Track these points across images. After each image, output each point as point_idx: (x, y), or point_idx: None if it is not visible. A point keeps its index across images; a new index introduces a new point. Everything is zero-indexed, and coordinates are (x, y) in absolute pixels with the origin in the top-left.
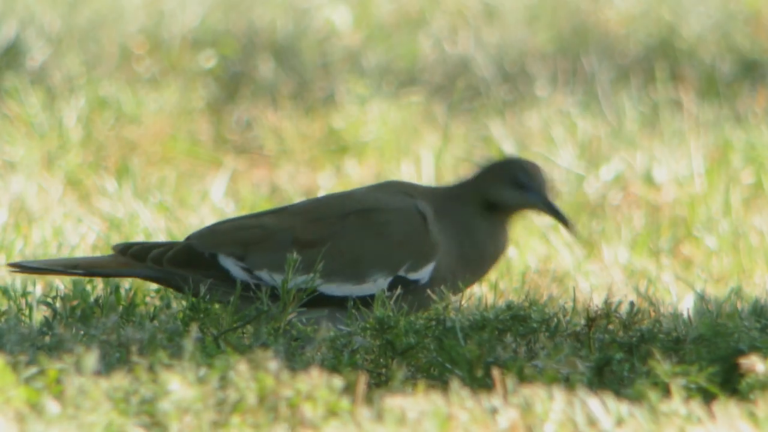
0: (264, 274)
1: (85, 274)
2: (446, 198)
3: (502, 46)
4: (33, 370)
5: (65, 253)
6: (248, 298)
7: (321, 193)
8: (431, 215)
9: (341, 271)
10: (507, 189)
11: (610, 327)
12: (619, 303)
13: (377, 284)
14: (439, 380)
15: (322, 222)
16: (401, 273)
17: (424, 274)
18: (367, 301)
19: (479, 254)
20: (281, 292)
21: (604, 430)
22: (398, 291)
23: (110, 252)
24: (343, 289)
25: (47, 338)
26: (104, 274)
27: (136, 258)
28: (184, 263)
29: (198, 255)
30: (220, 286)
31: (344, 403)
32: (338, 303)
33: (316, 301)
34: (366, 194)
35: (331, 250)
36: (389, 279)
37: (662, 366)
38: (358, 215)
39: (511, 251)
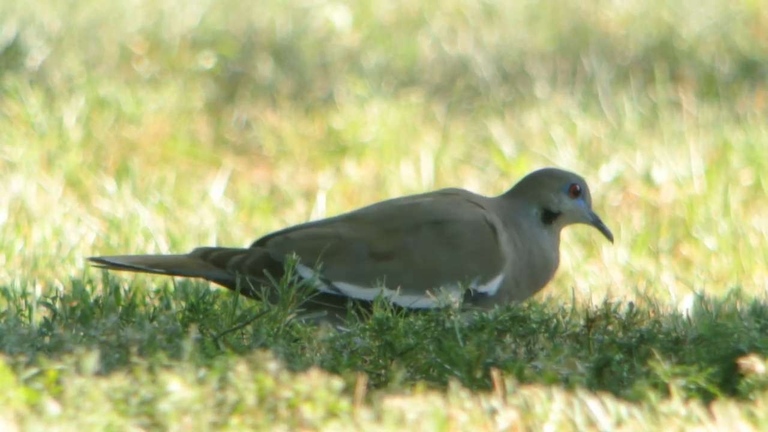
0: (342, 286)
1: (165, 273)
2: (508, 208)
3: (501, 46)
4: (33, 370)
5: (64, 254)
6: (317, 306)
7: (320, 194)
8: (500, 226)
9: (415, 285)
10: (567, 199)
11: (610, 328)
12: (619, 304)
13: (449, 298)
14: (438, 381)
15: (395, 233)
16: (472, 285)
17: (493, 286)
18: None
19: (544, 264)
20: (281, 293)
21: (603, 430)
22: (464, 304)
23: (186, 252)
24: (415, 302)
25: (47, 339)
26: (184, 274)
27: (216, 264)
28: (262, 272)
29: (276, 265)
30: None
31: (343, 404)
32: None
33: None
34: (435, 204)
35: (406, 263)
36: (462, 292)
37: (662, 366)
38: (430, 227)
39: None
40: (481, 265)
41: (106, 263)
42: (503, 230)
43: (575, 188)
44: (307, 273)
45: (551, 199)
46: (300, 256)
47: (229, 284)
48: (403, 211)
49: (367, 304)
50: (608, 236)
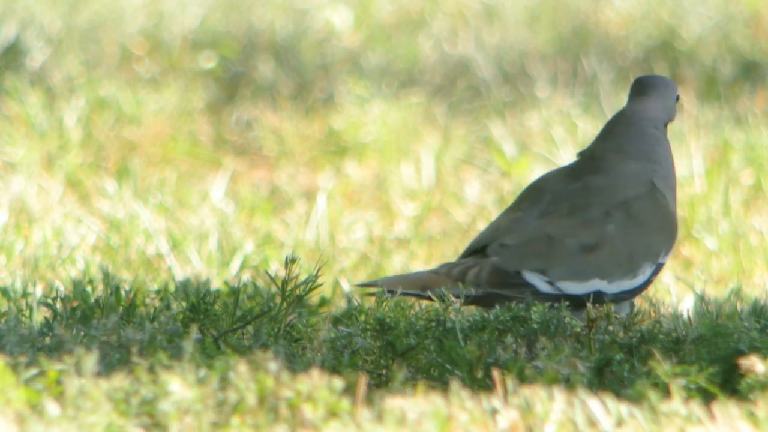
0: (563, 284)
1: (430, 298)
2: (645, 143)
3: (502, 46)
4: (33, 371)
5: (65, 254)
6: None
7: (321, 194)
8: (660, 182)
9: (618, 270)
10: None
11: (610, 328)
12: None
13: (645, 275)
14: (439, 381)
15: (593, 224)
16: (660, 260)
17: (669, 253)
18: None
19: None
20: (281, 293)
21: (604, 430)
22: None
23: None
24: (620, 286)
25: (47, 339)
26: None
27: (459, 280)
28: (498, 283)
29: (506, 273)
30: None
31: (344, 404)
32: (579, 301)
33: (554, 299)
34: (606, 181)
35: (610, 251)
36: (653, 268)
37: (662, 366)
38: (619, 209)
39: None
40: (665, 237)
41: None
42: (662, 184)
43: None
44: (533, 278)
45: (674, 111)
46: (523, 263)
47: (477, 302)
48: (582, 196)
49: (576, 299)
50: None
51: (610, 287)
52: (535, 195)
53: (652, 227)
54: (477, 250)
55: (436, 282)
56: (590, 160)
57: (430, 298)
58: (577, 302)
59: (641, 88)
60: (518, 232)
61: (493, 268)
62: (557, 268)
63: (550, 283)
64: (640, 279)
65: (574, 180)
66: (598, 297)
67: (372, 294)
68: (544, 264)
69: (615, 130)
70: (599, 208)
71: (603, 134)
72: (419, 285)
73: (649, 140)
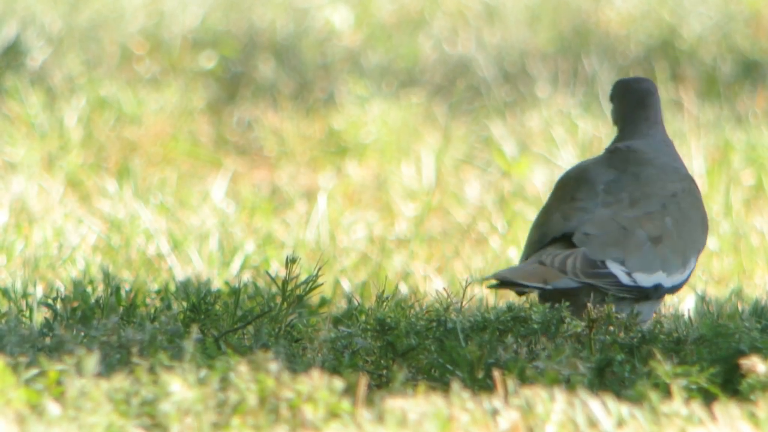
0: (638, 276)
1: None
2: (664, 139)
3: (502, 46)
4: (33, 371)
5: (65, 254)
6: (623, 300)
7: (321, 194)
8: (685, 168)
9: (675, 263)
10: None
11: (611, 328)
12: None
13: (691, 269)
14: (440, 381)
15: (654, 215)
16: (699, 255)
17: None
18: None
19: None
20: (282, 293)
21: (605, 431)
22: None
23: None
24: (674, 279)
25: (48, 339)
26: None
27: (562, 270)
28: (588, 273)
29: (594, 263)
30: (605, 291)
31: (345, 404)
32: (644, 294)
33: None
34: (654, 172)
35: (671, 243)
36: (695, 263)
37: (663, 367)
38: (672, 203)
39: (510, 253)
40: (704, 228)
41: (506, 284)
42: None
43: None
44: (615, 268)
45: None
46: (606, 252)
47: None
48: (641, 189)
49: (643, 291)
50: None
51: (668, 280)
52: (586, 185)
53: (697, 222)
54: (556, 239)
55: (550, 274)
56: (625, 152)
57: (543, 290)
58: (642, 294)
59: (646, 92)
60: (594, 222)
61: (584, 258)
62: (633, 259)
63: (628, 274)
64: (687, 273)
65: (618, 170)
66: (657, 290)
67: (497, 287)
68: (622, 254)
69: (639, 130)
70: (657, 200)
71: (626, 133)
72: (540, 278)
73: (669, 142)
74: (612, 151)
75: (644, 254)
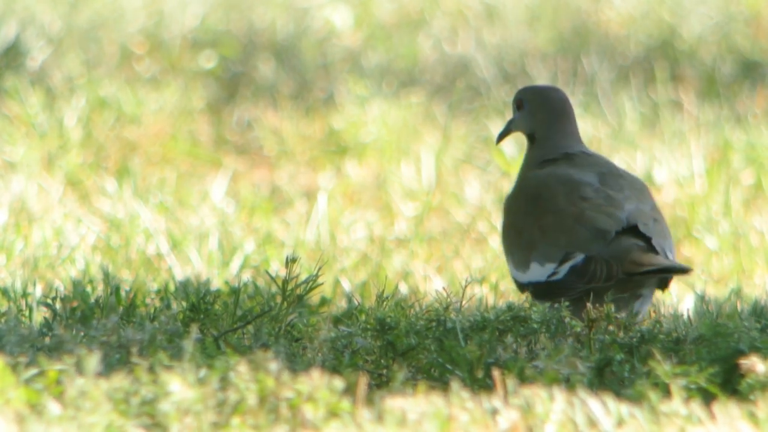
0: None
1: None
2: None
3: (502, 46)
4: (33, 371)
5: (65, 254)
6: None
7: (321, 194)
8: None
9: (673, 252)
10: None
11: (611, 328)
12: None
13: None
14: (439, 381)
15: (654, 209)
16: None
17: None
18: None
19: None
20: (282, 293)
21: (604, 430)
22: None
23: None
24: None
25: (47, 339)
26: None
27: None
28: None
29: (664, 252)
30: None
31: (345, 404)
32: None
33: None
34: (621, 171)
35: (666, 235)
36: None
37: (662, 366)
38: (650, 197)
39: None
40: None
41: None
42: None
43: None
44: (671, 257)
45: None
46: (662, 242)
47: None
48: (632, 186)
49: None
50: None
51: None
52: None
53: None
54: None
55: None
56: (582, 156)
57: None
58: (663, 284)
59: (567, 102)
60: (637, 212)
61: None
62: (669, 248)
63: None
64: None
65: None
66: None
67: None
68: (668, 243)
69: (567, 140)
70: (647, 195)
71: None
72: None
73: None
74: (569, 157)
75: (670, 244)
